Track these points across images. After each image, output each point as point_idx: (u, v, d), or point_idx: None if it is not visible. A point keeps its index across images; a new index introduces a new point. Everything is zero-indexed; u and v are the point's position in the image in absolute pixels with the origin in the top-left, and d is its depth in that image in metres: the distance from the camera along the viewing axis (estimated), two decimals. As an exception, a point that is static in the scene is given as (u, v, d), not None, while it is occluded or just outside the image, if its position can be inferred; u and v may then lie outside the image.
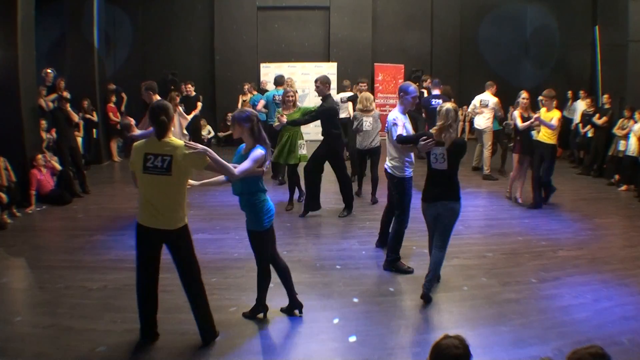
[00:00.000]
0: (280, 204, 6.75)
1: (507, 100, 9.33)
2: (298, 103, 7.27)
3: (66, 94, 8.06)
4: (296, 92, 7.62)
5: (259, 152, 3.47)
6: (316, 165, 6.40)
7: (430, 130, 4.36)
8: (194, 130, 9.64)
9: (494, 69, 12.15)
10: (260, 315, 3.89)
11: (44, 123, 7.82)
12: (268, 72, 12.71)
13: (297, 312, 3.92)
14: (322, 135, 6.43)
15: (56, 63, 9.74)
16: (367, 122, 7.08)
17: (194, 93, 10.24)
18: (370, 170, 7.30)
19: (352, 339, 3.59)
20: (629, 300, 4.19)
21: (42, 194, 7.06)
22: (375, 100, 10.70)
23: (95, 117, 9.64)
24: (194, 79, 11.22)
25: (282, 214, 6.59)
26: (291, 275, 3.89)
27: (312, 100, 11.80)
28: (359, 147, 7.22)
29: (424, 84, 10.28)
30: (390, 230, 4.93)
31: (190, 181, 3.52)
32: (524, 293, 4.34)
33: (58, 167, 7.42)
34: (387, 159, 4.82)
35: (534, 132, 6.93)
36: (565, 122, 9.51)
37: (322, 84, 6.26)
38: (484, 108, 8.78)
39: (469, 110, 9.38)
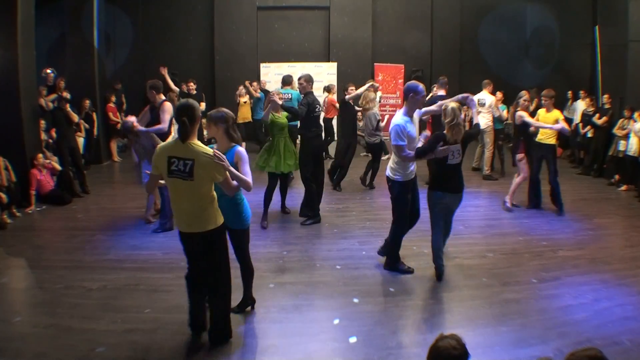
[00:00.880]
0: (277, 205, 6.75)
1: (507, 100, 9.35)
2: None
3: (66, 94, 8.05)
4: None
5: (243, 152, 3.50)
6: (309, 169, 6.18)
7: (444, 132, 4.39)
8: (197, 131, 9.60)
9: (494, 69, 12.15)
10: (249, 308, 3.97)
11: (43, 123, 7.82)
12: (268, 72, 12.72)
13: (249, 308, 3.99)
14: (299, 135, 6.42)
15: (56, 63, 9.74)
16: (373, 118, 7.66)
17: (195, 91, 10.14)
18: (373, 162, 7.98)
19: (353, 339, 3.59)
20: (629, 300, 4.18)
21: (42, 194, 7.06)
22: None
23: (94, 118, 9.63)
24: (194, 79, 11.21)
25: (282, 215, 6.59)
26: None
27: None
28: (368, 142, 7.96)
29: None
30: (388, 235, 4.88)
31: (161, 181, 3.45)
32: (524, 293, 4.34)
33: (58, 167, 7.42)
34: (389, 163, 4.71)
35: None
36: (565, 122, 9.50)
37: (305, 82, 6.29)
38: (481, 107, 8.71)
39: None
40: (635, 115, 7.95)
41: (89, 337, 3.57)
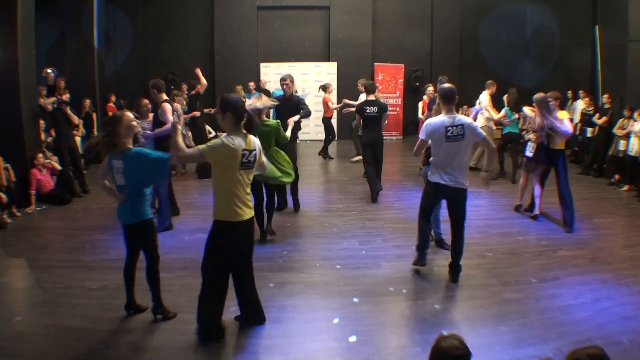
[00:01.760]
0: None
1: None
2: None
3: (66, 97, 7.99)
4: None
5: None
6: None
7: None
8: (198, 129, 9.54)
9: (494, 68, 12.17)
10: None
11: (42, 123, 7.82)
12: (268, 71, 12.72)
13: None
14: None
15: (56, 63, 9.74)
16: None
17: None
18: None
19: (352, 338, 3.59)
20: (628, 300, 4.18)
21: (42, 193, 7.07)
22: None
23: (94, 118, 9.64)
24: (193, 78, 11.20)
25: (283, 214, 6.59)
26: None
27: (311, 100, 11.81)
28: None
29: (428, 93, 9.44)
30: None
31: None
32: (524, 293, 4.34)
33: (58, 167, 7.42)
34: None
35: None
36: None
37: (291, 82, 6.31)
38: (478, 105, 8.78)
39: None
40: (636, 114, 7.95)
41: (89, 337, 3.57)
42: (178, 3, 12.99)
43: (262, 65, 12.88)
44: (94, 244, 5.53)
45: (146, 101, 6.53)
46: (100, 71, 10.29)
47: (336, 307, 4.08)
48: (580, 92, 10.32)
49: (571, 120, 10.05)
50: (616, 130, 8.44)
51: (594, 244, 5.61)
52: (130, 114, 3.72)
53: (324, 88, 10.48)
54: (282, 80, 6.35)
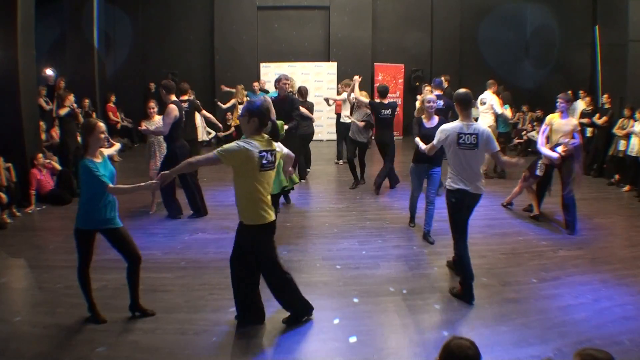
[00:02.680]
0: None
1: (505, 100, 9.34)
2: None
3: (71, 100, 7.95)
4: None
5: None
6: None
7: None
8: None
9: (494, 69, 12.16)
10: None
11: (43, 124, 7.82)
12: (268, 71, 12.72)
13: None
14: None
15: (56, 63, 9.76)
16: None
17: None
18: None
19: (353, 339, 3.59)
20: (629, 300, 4.18)
21: (42, 193, 7.07)
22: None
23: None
24: (194, 78, 11.25)
25: (283, 214, 6.59)
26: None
27: (311, 100, 11.77)
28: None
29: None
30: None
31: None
32: (524, 293, 4.33)
33: (58, 167, 7.42)
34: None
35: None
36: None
37: (287, 82, 6.50)
38: (481, 106, 8.65)
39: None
40: (636, 114, 7.95)
41: (89, 337, 3.57)
42: (178, 3, 12.99)
43: (262, 65, 12.88)
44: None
45: (152, 103, 6.65)
46: (100, 71, 10.30)
47: (336, 307, 4.08)
48: (580, 92, 10.31)
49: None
50: (616, 130, 8.44)
51: (594, 244, 5.61)
52: (102, 125, 3.70)
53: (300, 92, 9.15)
54: (278, 81, 6.48)
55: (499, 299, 4.21)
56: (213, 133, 12.45)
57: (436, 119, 5.56)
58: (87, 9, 10.01)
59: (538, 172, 6.24)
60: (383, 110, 7.28)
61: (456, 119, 4.39)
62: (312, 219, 6.49)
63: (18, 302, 4.33)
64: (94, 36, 10.15)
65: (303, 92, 8.34)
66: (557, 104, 6.00)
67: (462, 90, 4.44)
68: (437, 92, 8.54)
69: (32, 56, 7.35)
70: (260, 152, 3.36)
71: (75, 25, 9.96)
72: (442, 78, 8.47)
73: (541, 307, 4.08)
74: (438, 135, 4.39)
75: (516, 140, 11.24)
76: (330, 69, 13.08)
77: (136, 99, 11.78)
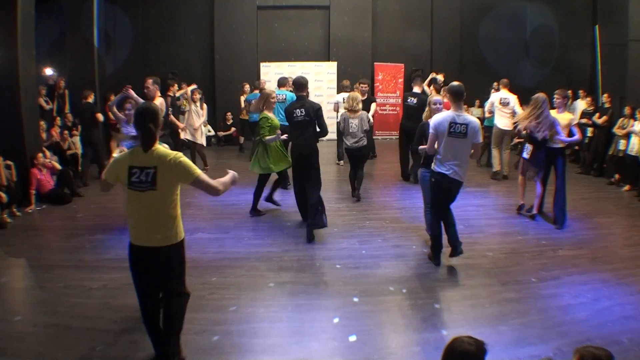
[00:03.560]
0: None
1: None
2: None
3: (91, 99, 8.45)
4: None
5: None
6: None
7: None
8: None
9: (494, 68, 12.16)
10: None
11: (43, 124, 7.82)
12: (268, 71, 12.72)
13: None
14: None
15: (56, 63, 9.75)
16: (353, 124, 7.08)
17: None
18: (355, 168, 7.31)
19: (352, 338, 3.59)
20: (629, 300, 4.18)
21: (42, 193, 7.07)
22: (376, 100, 10.71)
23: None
24: (194, 78, 11.22)
25: (283, 214, 6.59)
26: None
27: (312, 99, 11.78)
28: (348, 146, 7.19)
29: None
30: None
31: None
32: (524, 292, 4.34)
33: (58, 166, 7.42)
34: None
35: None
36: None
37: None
38: (504, 107, 8.44)
39: (487, 109, 9.17)
40: (637, 114, 7.95)
41: (89, 336, 3.57)
42: (178, 3, 12.98)
43: (262, 64, 12.87)
44: (94, 244, 5.53)
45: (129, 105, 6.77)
46: (100, 71, 10.29)
47: (336, 306, 4.07)
48: (581, 91, 10.32)
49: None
50: (616, 130, 8.44)
51: (594, 243, 5.61)
52: None
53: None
54: (301, 81, 6.04)
55: (499, 299, 4.21)
56: (212, 132, 12.45)
57: None
58: (87, 9, 10.00)
59: (525, 154, 6.25)
60: (410, 98, 7.98)
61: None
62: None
63: (18, 301, 4.34)
64: (94, 36, 10.14)
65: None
66: (554, 100, 6.26)
67: (455, 83, 4.85)
68: (416, 89, 8.47)
69: (32, 56, 7.35)
70: (130, 166, 2.92)
71: (75, 24, 9.95)
72: (438, 76, 8.45)
73: (541, 306, 4.08)
74: (432, 125, 4.69)
75: (516, 140, 11.23)
76: (330, 68, 13.08)
77: (138, 96, 11.75)
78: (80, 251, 5.31)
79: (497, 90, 9.16)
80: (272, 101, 6.35)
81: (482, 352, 2.00)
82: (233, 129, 12.23)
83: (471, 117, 4.69)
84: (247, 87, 11.28)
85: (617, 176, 8.44)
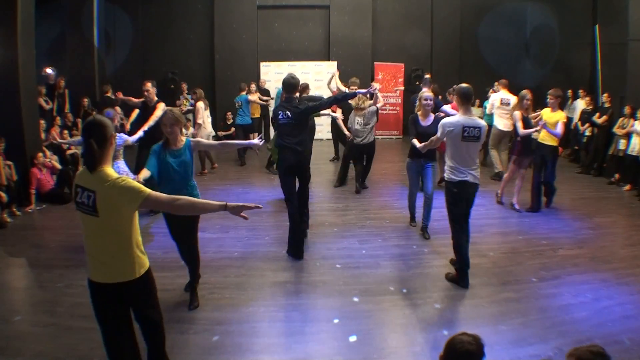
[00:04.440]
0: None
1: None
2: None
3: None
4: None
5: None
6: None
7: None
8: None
9: (494, 68, 12.16)
10: None
11: (43, 123, 7.82)
12: (268, 71, 12.71)
13: None
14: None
15: (56, 62, 9.75)
16: (358, 121, 7.24)
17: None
18: (365, 163, 7.69)
19: (353, 338, 3.60)
20: (629, 299, 4.19)
21: (42, 192, 7.07)
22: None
23: None
24: (194, 78, 11.23)
25: (283, 214, 6.59)
26: None
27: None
28: (355, 143, 7.37)
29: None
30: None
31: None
32: (524, 292, 4.34)
33: (58, 166, 7.42)
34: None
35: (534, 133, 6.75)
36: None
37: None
38: (505, 107, 8.40)
39: (488, 110, 9.17)
40: (638, 113, 7.94)
41: (89, 336, 3.56)
42: (178, 2, 12.97)
43: (262, 64, 12.86)
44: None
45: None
46: (100, 70, 10.30)
47: (336, 306, 4.08)
48: (580, 91, 10.31)
49: (569, 119, 10.03)
50: (616, 130, 8.44)
51: (594, 243, 5.61)
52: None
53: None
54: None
55: (499, 298, 4.21)
56: (212, 132, 12.43)
57: (432, 117, 5.67)
58: (87, 8, 10.01)
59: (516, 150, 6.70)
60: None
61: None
62: (312, 218, 6.45)
63: (18, 301, 4.34)
64: (94, 35, 10.16)
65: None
66: (547, 100, 6.61)
67: (464, 84, 4.58)
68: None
69: (32, 56, 7.35)
70: (76, 184, 2.55)
71: (75, 24, 9.96)
72: (427, 75, 8.45)
73: (541, 306, 4.08)
74: (441, 129, 4.48)
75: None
76: (330, 68, 13.03)
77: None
78: (80, 251, 5.24)
79: (495, 91, 9.16)
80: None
81: (482, 348, 2.02)
82: (233, 129, 12.22)
83: (479, 119, 4.60)
84: (253, 86, 11.22)
85: (617, 176, 8.44)
